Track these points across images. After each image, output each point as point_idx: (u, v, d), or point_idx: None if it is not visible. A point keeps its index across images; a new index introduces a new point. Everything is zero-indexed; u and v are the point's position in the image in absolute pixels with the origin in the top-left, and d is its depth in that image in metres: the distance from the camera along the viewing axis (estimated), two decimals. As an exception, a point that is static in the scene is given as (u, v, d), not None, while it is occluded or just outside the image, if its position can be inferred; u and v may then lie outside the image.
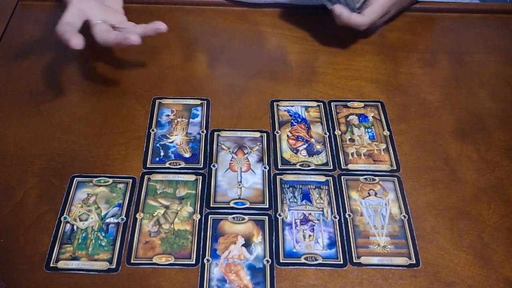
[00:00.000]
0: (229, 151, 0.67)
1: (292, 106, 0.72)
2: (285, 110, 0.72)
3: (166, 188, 0.63)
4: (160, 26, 0.69)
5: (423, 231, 0.60)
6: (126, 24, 0.72)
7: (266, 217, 0.60)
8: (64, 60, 0.77)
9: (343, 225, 0.60)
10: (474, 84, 0.77)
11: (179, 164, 0.65)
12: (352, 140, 0.69)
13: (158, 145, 0.67)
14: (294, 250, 0.58)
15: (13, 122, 0.69)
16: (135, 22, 0.71)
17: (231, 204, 0.61)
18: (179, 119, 0.70)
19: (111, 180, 0.63)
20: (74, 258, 0.56)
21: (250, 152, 0.67)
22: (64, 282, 0.55)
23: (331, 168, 0.65)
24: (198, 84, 0.75)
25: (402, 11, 0.86)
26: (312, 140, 0.69)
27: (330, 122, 0.71)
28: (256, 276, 0.55)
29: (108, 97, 0.73)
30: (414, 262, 0.57)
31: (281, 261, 0.57)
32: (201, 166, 0.65)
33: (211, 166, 0.65)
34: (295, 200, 0.62)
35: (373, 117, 0.71)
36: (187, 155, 0.66)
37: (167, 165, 0.65)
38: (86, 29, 0.69)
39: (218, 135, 0.69)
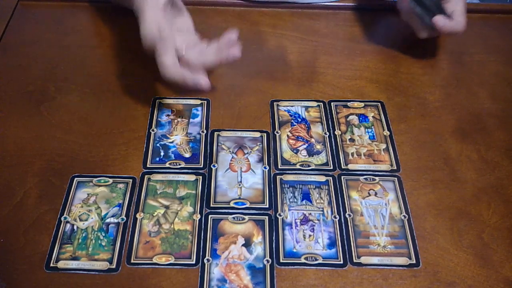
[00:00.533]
0: (229, 151, 0.67)
1: (292, 106, 0.72)
2: (285, 110, 0.72)
3: (166, 188, 0.63)
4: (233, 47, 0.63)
5: (423, 231, 0.60)
6: (199, 47, 0.65)
7: (266, 217, 0.60)
8: (64, 60, 0.77)
9: (343, 225, 0.60)
10: (474, 84, 0.77)
11: (179, 164, 0.65)
12: (352, 140, 0.69)
13: (158, 145, 0.67)
14: (294, 250, 0.58)
15: (13, 122, 0.69)
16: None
17: (231, 204, 0.61)
18: (179, 119, 0.70)
19: (111, 180, 0.63)
20: (74, 258, 0.56)
21: (250, 152, 0.67)
22: (64, 282, 0.55)
23: (331, 168, 0.65)
24: (198, 84, 0.75)
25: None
26: (312, 140, 0.69)
27: (330, 122, 0.71)
28: (256, 276, 0.55)
29: (108, 97, 0.73)
30: (414, 262, 0.57)
31: (281, 261, 0.57)
32: (201, 166, 0.65)
33: (211, 166, 0.65)
34: (295, 200, 0.62)
35: (373, 117, 0.71)
36: (187, 155, 0.66)
37: (167, 165, 0.65)
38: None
39: (218, 135, 0.69)
